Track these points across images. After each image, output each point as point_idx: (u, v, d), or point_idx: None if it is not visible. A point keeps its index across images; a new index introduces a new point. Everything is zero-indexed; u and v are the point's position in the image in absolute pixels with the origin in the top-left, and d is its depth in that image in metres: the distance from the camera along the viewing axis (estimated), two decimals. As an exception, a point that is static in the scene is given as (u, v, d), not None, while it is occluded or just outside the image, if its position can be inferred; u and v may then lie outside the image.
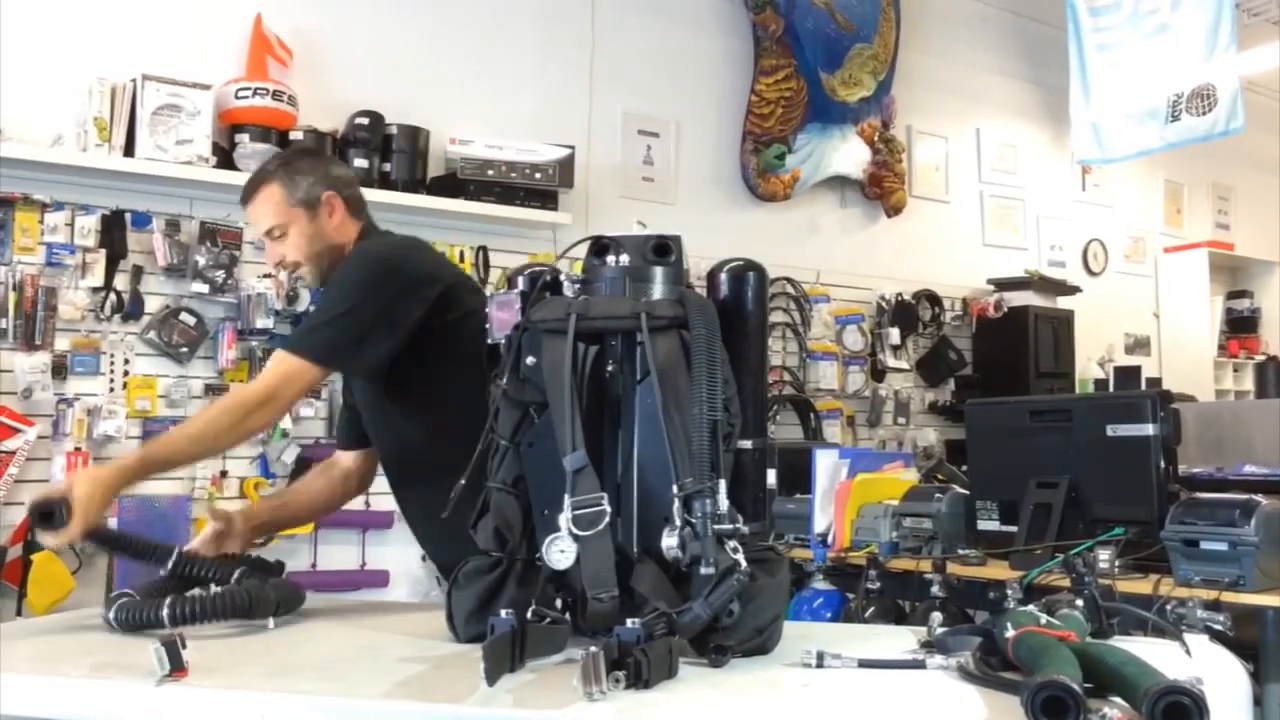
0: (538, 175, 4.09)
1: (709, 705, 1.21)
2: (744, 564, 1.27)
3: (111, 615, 1.48)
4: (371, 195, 3.75)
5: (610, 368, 1.41)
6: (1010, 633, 1.23)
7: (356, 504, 3.75)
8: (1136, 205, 6.90)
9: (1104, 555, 2.51)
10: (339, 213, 2.03)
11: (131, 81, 3.41)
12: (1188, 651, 1.38)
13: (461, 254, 4.06)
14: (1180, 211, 7.19)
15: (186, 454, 1.86)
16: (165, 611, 1.44)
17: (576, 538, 1.29)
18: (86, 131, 3.35)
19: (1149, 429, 2.61)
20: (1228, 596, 2.29)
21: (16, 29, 3.35)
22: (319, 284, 2.06)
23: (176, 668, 1.21)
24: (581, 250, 1.52)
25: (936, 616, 1.40)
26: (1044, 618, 1.28)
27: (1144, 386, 5.87)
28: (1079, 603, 1.35)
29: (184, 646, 1.23)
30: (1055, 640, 1.19)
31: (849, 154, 5.34)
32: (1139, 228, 6.92)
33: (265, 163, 2.09)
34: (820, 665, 1.30)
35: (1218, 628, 2.22)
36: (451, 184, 3.98)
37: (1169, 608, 2.30)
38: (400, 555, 3.86)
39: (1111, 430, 2.67)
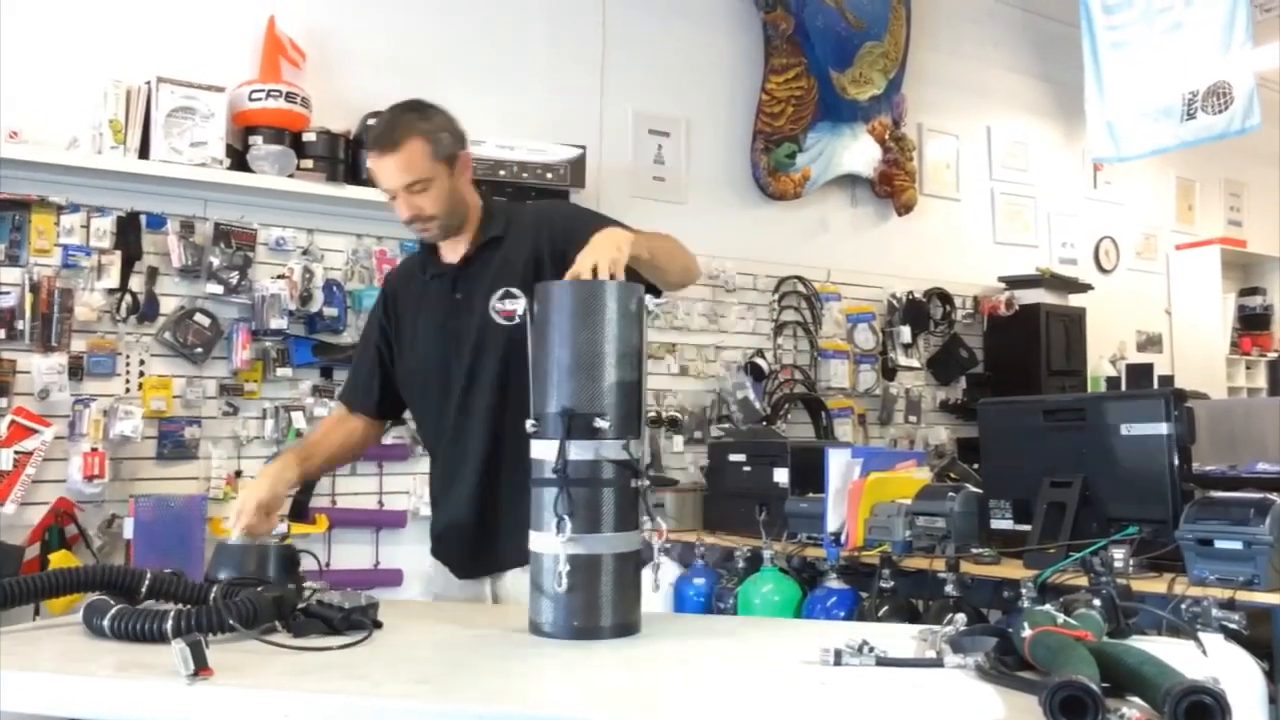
0: (549, 175, 4.09)
1: (727, 703, 1.22)
2: None
3: (106, 623, 1.45)
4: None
5: None
6: (1027, 632, 1.24)
7: (370, 503, 3.81)
8: (1148, 202, 6.88)
9: (1118, 554, 2.50)
10: (469, 171, 2.09)
11: (146, 84, 3.43)
12: (1203, 651, 1.38)
13: (474, 254, 4.07)
14: (1192, 208, 7.17)
15: (667, 256, 1.93)
16: (169, 624, 1.41)
17: None
18: (102, 134, 3.37)
19: (1163, 428, 2.60)
20: (1242, 595, 2.29)
21: (32, 33, 3.37)
22: (444, 239, 2.09)
23: (201, 667, 1.22)
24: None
25: (961, 617, 1.41)
26: (1061, 617, 1.29)
27: (1156, 384, 5.86)
28: (1096, 602, 1.35)
29: (207, 646, 1.25)
30: (1072, 640, 1.19)
31: (860, 152, 5.34)
32: (1151, 225, 6.89)
33: (399, 113, 2.04)
34: (838, 663, 1.31)
35: (1233, 627, 2.21)
36: (463, 184, 3.98)
37: (1184, 607, 2.30)
38: (413, 554, 3.87)
39: (1125, 429, 2.67)
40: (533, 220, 2.11)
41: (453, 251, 2.13)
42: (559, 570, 1.51)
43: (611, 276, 1.65)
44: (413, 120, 2.00)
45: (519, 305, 1.93)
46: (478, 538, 2.04)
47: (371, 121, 3.80)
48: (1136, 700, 1.09)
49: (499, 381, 2.00)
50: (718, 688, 1.29)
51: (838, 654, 1.32)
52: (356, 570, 3.73)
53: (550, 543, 1.53)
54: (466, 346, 2.04)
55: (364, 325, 2.39)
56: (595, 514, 1.54)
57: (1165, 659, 1.13)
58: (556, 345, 1.58)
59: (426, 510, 3.85)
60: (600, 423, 1.54)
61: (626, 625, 1.55)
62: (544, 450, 1.56)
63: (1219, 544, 2.35)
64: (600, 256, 1.68)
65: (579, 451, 1.53)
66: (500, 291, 2.01)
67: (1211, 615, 2.26)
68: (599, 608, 1.53)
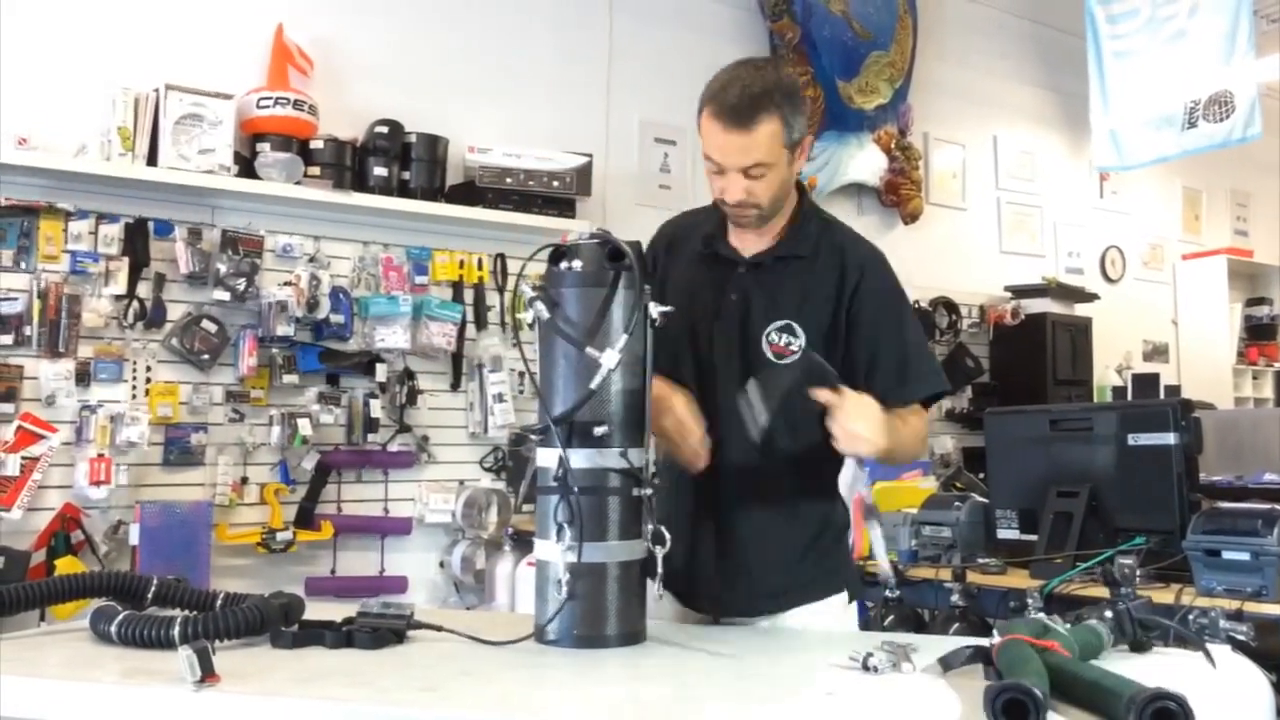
0: (555, 183, 4.10)
1: (733, 714, 1.22)
2: None
3: (114, 630, 1.45)
4: (390, 203, 3.83)
5: None
6: (996, 640, 1.24)
7: (375, 510, 3.81)
8: (1155, 212, 6.87)
9: (1125, 564, 2.50)
10: (804, 157, 1.82)
11: (155, 91, 3.44)
12: (1211, 661, 1.38)
13: (480, 261, 4.08)
14: (1199, 218, 7.16)
15: (904, 453, 1.80)
16: (176, 630, 1.40)
17: None
18: (110, 141, 3.38)
19: (1170, 438, 2.61)
20: (1250, 606, 2.29)
21: (41, 40, 3.39)
22: (757, 228, 1.84)
23: (208, 673, 1.22)
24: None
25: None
26: (1053, 627, 1.29)
27: (1163, 394, 5.84)
28: (1108, 614, 1.35)
29: (214, 652, 1.25)
30: (1033, 651, 1.19)
31: (866, 161, 5.34)
32: (1157, 234, 6.89)
33: (759, 84, 1.72)
34: (865, 668, 1.31)
35: (1240, 638, 2.21)
36: (470, 192, 4.00)
37: (1191, 618, 2.29)
38: (419, 561, 3.88)
39: (1132, 439, 2.67)
40: (851, 260, 1.84)
41: (742, 239, 1.86)
42: (560, 579, 1.51)
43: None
44: (774, 97, 1.71)
45: (796, 343, 1.78)
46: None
47: (380, 129, 3.82)
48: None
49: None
50: (723, 698, 1.28)
51: (865, 658, 1.32)
52: (362, 577, 3.73)
53: (552, 551, 1.53)
54: (718, 360, 1.82)
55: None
56: (599, 522, 1.53)
57: (1135, 675, 1.12)
58: (560, 353, 1.58)
59: (431, 517, 3.89)
60: (600, 430, 1.54)
61: (631, 634, 1.55)
62: (546, 458, 1.57)
63: (1226, 555, 2.35)
64: (854, 444, 1.64)
65: (580, 460, 1.54)
66: (781, 323, 1.79)
67: (1219, 626, 2.26)
68: (603, 616, 1.53)
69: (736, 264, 1.85)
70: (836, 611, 1.85)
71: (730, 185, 1.76)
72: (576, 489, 1.52)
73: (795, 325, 1.78)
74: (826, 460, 1.70)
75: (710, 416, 1.76)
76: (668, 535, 1.54)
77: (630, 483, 1.55)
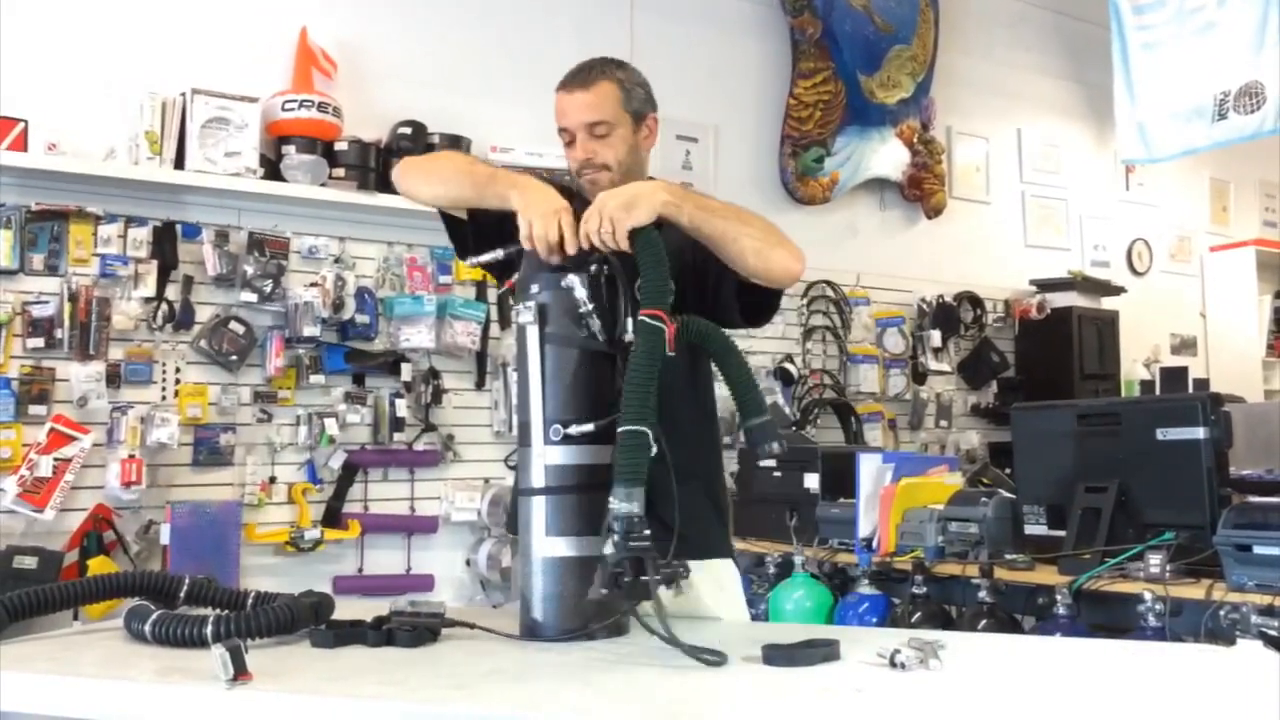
0: (578, 182, 4.10)
1: (756, 711, 1.22)
2: None
3: (148, 629, 1.47)
4: (415, 204, 3.84)
5: None
6: None
7: (402, 509, 3.84)
8: (1181, 204, 6.81)
9: (1154, 560, 2.48)
10: (653, 138, 1.97)
11: (181, 95, 3.47)
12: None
13: (503, 261, 4.09)
14: (1226, 209, 7.08)
15: (729, 226, 1.73)
16: (209, 629, 1.42)
17: None
18: (138, 145, 3.42)
19: (1199, 432, 2.58)
20: (1282, 602, 2.26)
21: (69, 46, 3.43)
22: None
23: (241, 672, 1.24)
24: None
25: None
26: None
27: (1191, 388, 5.79)
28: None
29: (246, 651, 1.26)
30: None
31: (888, 156, 5.32)
32: (1184, 226, 6.82)
33: (598, 60, 1.94)
34: (893, 665, 1.31)
35: (1272, 633, 2.19)
36: (493, 192, 4.00)
37: (1222, 614, 2.27)
38: (445, 559, 3.91)
39: (1161, 434, 2.65)
40: None
41: None
42: (542, 572, 1.55)
43: (606, 244, 1.57)
44: (610, 68, 1.93)
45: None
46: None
47: (403, 130, 3.85)
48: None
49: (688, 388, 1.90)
50: (754, 694, 1.28)
51: (892, 655, 1.32)
52: (389, 575, 3.76)
53: (537, 545, 1.57)
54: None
55: None
56: (581, 517, 1.56)
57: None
58: (534, 350, 1.59)
59: (457, 515, 3.91)
60: (578, 428, 1.55)
61: (617, 626, 1.57)
62: (527, 456, 1.59)
63: (1258, 549, 2.33)
64: (597, 215, 1.59)
65: (559, 456, 1.56)
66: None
67: (1250, 622, 2.24)
68: (584, 610, 1.54)
69: None
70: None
71: (577, 148, 1.90)
72: (557, 486, 1.56)
73: None
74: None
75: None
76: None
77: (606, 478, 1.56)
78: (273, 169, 3.63)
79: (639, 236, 1.59)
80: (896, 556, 3.02)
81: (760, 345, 4.78)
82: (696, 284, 1.79)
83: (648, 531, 1.45)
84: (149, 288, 3.43)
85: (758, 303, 1.85)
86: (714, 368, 1.76)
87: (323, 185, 3.66)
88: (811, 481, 3.58)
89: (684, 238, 1.72)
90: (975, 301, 5.50)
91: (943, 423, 5.35)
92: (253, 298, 3.54)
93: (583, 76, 1.90)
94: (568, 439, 1.56)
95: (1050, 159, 6.12)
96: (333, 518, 3.68)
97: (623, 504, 1.45)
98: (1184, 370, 6.06)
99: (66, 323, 3.29)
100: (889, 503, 3.10)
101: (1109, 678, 1.37)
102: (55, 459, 3.19)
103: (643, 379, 1.49)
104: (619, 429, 1.49)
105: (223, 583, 1.69)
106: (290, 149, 3.63)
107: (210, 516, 3.38)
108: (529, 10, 4.38)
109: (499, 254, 1.73)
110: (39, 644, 1.55)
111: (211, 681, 1.22)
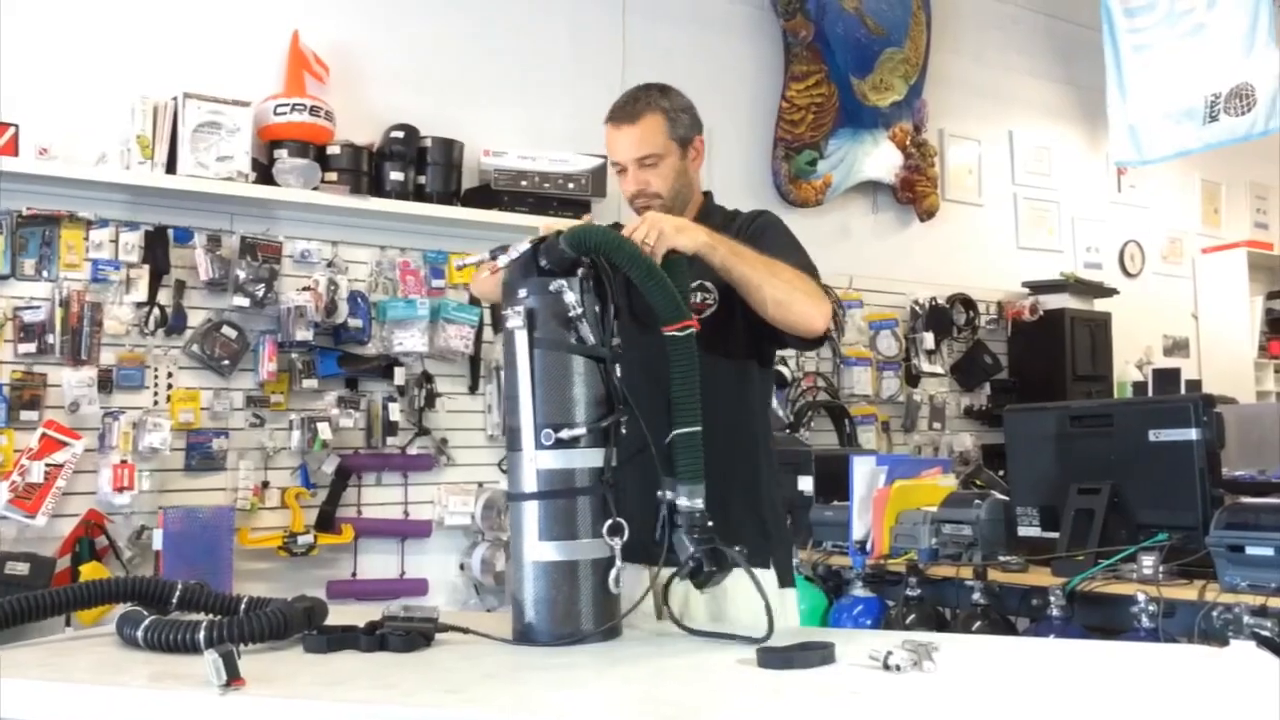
0: (571, 185, 4.11)
1: (752, 715, 1.22)
2: None
3: (141, 634, 1.46)
4: (407, 207, 3.85)
5: None
6: None
7: (395, 513, 3.83)
8: (1173, 206, 6.83)
9: (1148, 561, 2.49)
10: (700, 158, 2.07)
11: (173, 100, 3.47)
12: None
13: (496, 264, 4.09)
14: (1218, 211, 7.10)
15: (756, 274, 1.81)
16: (202, 635, 1.41)
17: None
18: (129, 149, 3.41)
19: (1192, 434, 2.59)
20: (1275, 602, 2.27)
21: (60, 50, 3.42)
22: None
23: (233, 677, 1.23)
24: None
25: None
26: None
27: (1183, 389, 5.81)
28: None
29: (239, 656, 1.26)
30: None
31: (881, 159, 5.33)
32: (1176, 228, 6.84)
33: (642, 90, 2.05)
34: (887, 667, 1.31)
35: (1265, 634, 2.19)
36: (485, 195, 4.01)
37: (1215, 614, 2.28)
38: (439, 564, 3.90)
39: (1154, 435, 2.65)
40: (744, 216, 2.08)
41: None
42: (535, 576, 1.56)
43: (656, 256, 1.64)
44: (655, 97, 2.02)
45: (711, 297, 1.91)
46: None
47: (395, 134, 3.85)
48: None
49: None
50: (748, 696, 1.28)
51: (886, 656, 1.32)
52: (382, 580, 3.75)
53: (528, 549, 1.57)
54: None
55: None
56: (573, 522, 1.56)
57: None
58: (524, 355, 1.59)
59: (451, 519, 3.90)
60: (569, 432, 1.56)
61: (609, 630, 1.57)
62: (518, 460, 1.59)
63: (1250, 550, 2.33)
64: (648, 225, 1.68)
65: (550, 460, 1.56)
66: (696, 283, 1.89)
67: (1243, 622, 2.25)
68: (577, 613, 1.55)
69: None
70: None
71: (629, 179, 2.01)
72: (548, 491, 1.56)
73: (708, 283, 1.89)
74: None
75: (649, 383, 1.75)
76: (625, 525, 1.56)
77: (597, 482, 1.58)
78: (265, 173, 3.63)
79: (672, 258, 1.70)
80: (890, 559, 3.02)
81: (754, 348, 4.78)
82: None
83: (711, 523, 1.57)
84: (141, 292, 3.42)
85: (797, 338, 1.94)
86: (774, 399, 1.81)
87: (315, 189, 3.65)
88: (805, 484, 3.58)
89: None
90: (968, 304, 5.51)
91: (936, 425, 5.35)
92: (245, 302, 3.53)
93: (629, 110, 2.00)
94: (559, 443, 1.56)
95: (1042, 161, 6.14)
96: (326, 522, 3.68)
97: (687, 500, 1.56)
98: (1176, 372, 6.08)
99: (58, 328, 3.28)
100: (883, 505, 3.10)
101: (1103, 679, 1.37)
102: (47, 465, 3.18)
103: (687, 386, 1.59)
104: (674, 432, 1.58)
105: (215, 588, 1.68)
106: (282, 153, 3.62)
107: (203, 521, 3.37)
108: (521, 13, 4.37)
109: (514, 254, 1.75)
110: (31, 650, 1.55)
111: (204, 687, 1.22)
